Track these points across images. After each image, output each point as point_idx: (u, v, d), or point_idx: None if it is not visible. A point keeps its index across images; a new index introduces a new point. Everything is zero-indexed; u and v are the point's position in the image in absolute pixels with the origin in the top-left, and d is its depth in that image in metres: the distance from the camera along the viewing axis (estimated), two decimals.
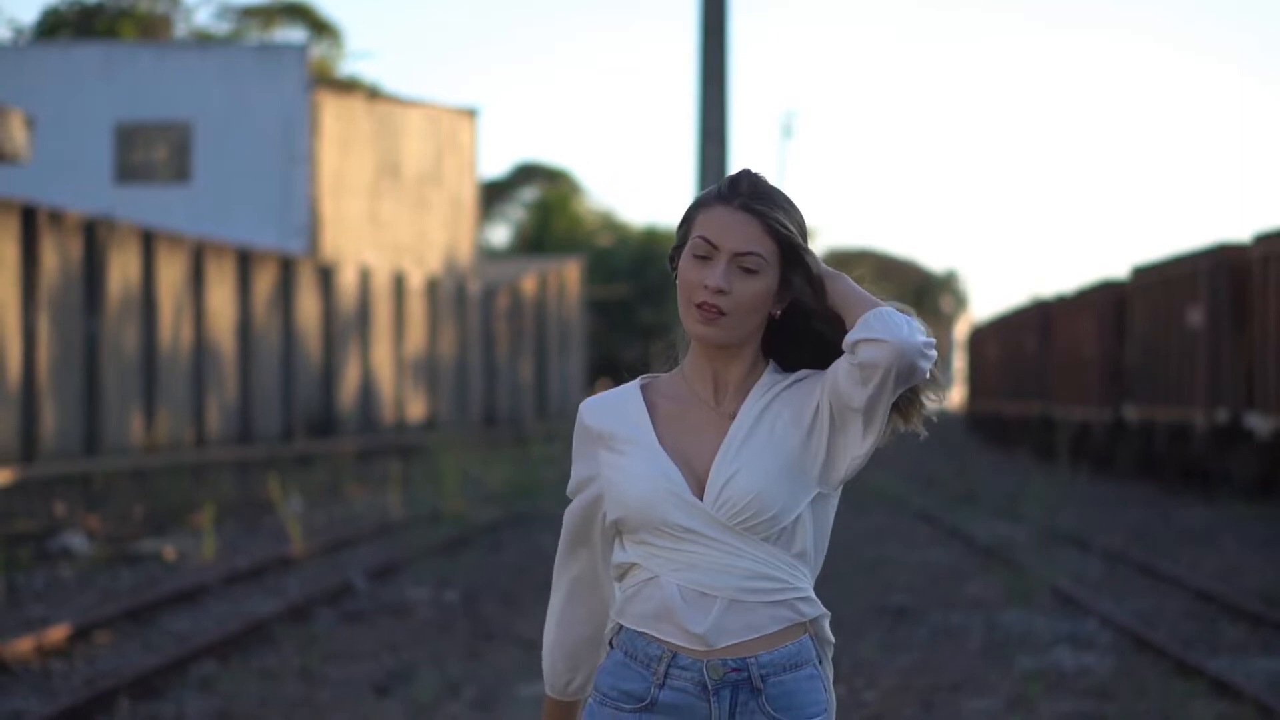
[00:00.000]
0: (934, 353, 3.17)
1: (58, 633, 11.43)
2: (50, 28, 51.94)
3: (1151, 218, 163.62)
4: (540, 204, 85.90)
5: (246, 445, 30.42)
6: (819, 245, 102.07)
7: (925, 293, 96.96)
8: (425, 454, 33.21)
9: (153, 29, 52.86)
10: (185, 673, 10.35)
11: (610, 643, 3.21)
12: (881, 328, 3.07)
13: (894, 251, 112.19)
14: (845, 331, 3.14)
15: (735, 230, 3.10)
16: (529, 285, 51.50)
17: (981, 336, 52.43)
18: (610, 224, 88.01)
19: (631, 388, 3.26)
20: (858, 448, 3.13)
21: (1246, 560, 16.70)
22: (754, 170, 3.18)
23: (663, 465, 3.13)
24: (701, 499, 3.11)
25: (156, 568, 16.18)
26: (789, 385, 3.18)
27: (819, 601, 3.13)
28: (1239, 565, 16.28)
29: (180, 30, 55.21)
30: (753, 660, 3.09)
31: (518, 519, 21.17)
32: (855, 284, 3.19)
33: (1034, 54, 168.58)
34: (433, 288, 41.91)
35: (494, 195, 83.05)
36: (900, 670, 10.53)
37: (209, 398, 29.28)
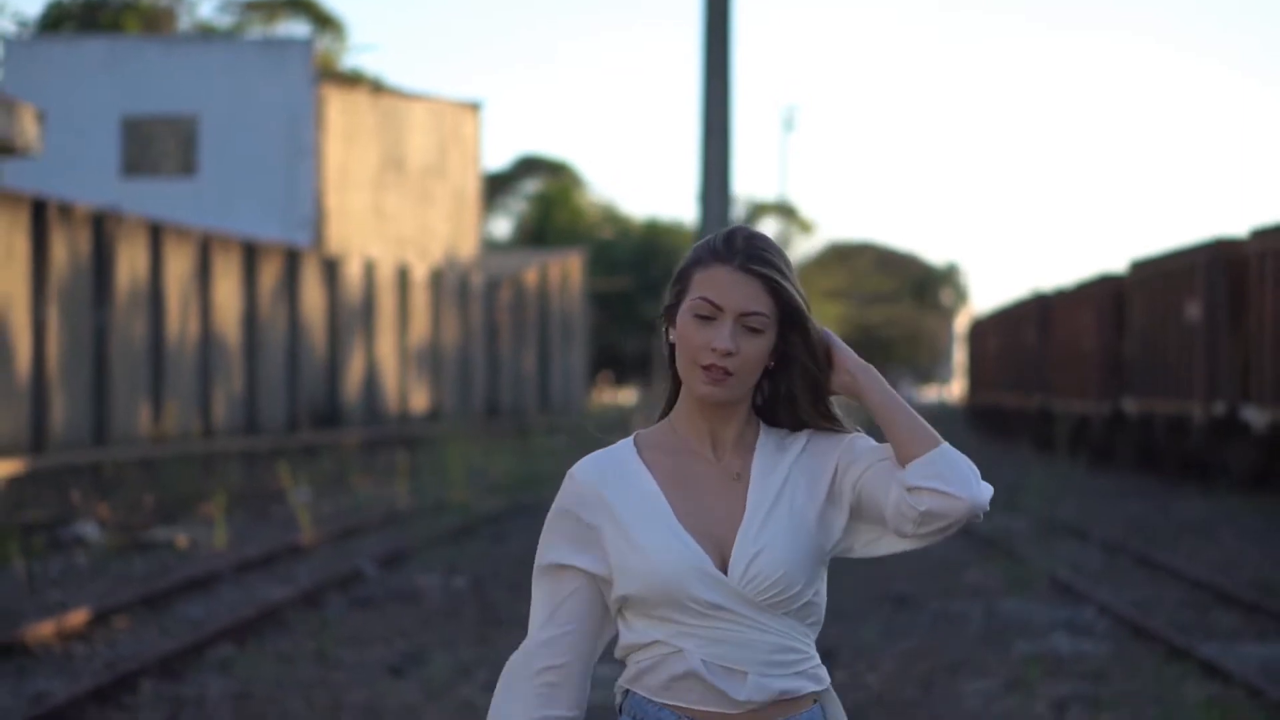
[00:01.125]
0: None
1: (77, 617, 11.69)
2: (54, 21, 52.14)
3: (1150, 212, 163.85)
4: (541, 197, 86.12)
5: (252, 436, 30.67)
6: (820, 239, 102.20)
7: (926, 286, 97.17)
8: (429, 445, 33.47)
9: (156, 22, 53.05)
10: (203, 656, 10.61)
11: (619, 708, 3.18)
12: (957, 482, 3.07)
13: (894, 244, 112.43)
14: (827, 381, 3.16)
15: (738, 291, 3.07)
16: (532, 278, 51.74)
17: (981, 329, 52.68)
18: (612, 217, 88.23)
19: (626, 451, 3.18)
20: (866, 543, 3.18)
21: (1242, 551, 16.95)
22: (747, 228, 3.15)
23: (685, 541, 3.07)
24: (725, 573, 3.07)
25: (169, 556, 16.45)
26: (800, 453, 3.16)
27: (824, 667, 3.17)
28: (1235, 556, 16.52)
29: (184, 23, 55.39)
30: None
31: (522, 509, 21.43)
32: (890, 388, 3.17)
33: (1035, 50, 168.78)
34: (436, 280, 42.15)
35: (496, 188, 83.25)
36: (901, 654, 10.79)
37: (215, 389, 29.53)
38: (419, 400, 40.14)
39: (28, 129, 21.76)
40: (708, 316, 3.08)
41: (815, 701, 3.13)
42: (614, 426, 47.31)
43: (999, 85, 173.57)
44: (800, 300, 3.13)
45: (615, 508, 3.10)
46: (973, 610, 12.80)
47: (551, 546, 3.14)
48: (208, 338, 29.26)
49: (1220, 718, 8.67)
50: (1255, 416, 22.66)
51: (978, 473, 3.09)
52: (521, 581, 14.36)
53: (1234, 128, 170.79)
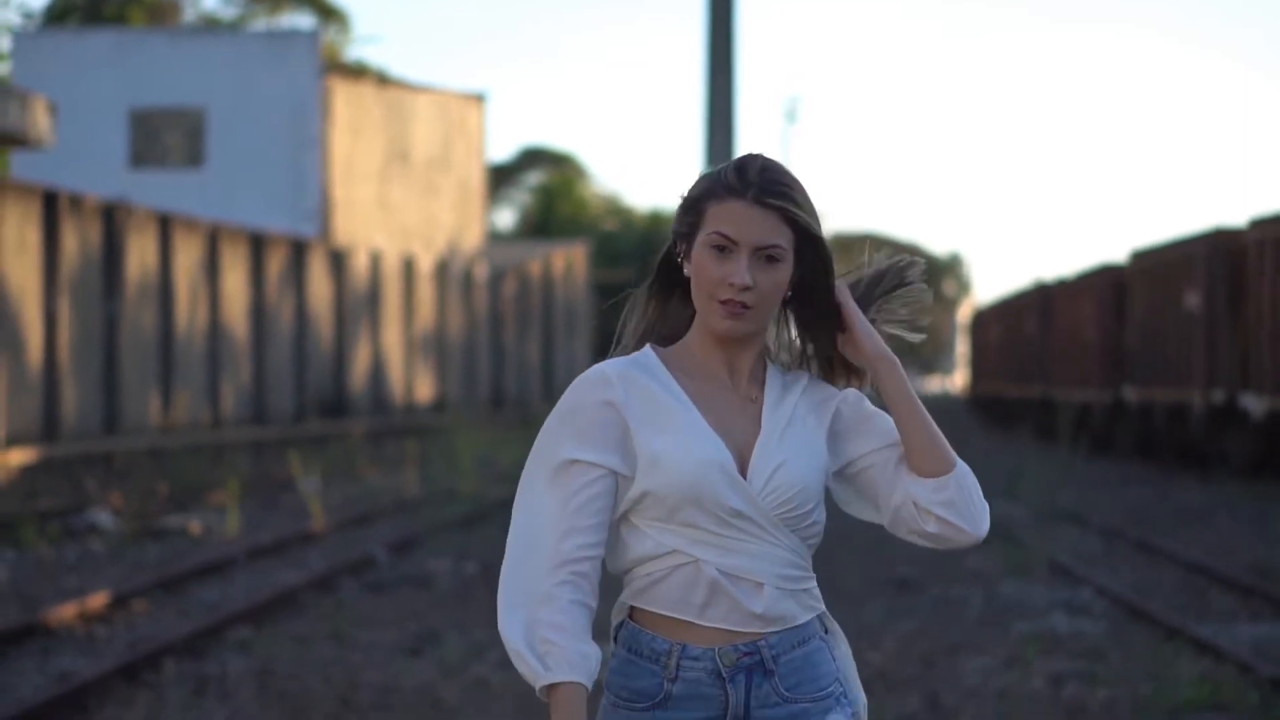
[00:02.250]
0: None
1: (97, 600, 11.96)
2: (59, 13, 52.34)
3: (1150, 202, 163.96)
4: (545, 188, 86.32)
5: (260, 426, 30.93)
6: (822, 231, 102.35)
7: (928, 276, 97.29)
8: (435, 435, 33.74)
9: (161, 14, 53.26)
10: (222, 637, 10.88)
11: (614, 638, 3.13)
12: (967, 515, 3.11)
13: (897, 235, 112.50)
14: (836, 322, 3.17)
15: (754, 224, 3.03)
16: (536, 269, 51.99)
17: (984, 319, 52.91)
18: (615, 208, 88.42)
19: (653, 360, 3.14)
20: (846, 500, 3.22)
21: (1239, 536, 17.18)
22: (760, 155, 3.10)
23: (714, 442, 3.07)
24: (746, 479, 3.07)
25: (182, 542, 16.71)
26: (805, 389, 3.18)
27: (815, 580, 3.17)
28: (1232, 541, 16.76)
29: (188, 15, 55.60)
30: (763, 642, 3.07)
31: None
32: (911, 388, 3.16)
33: (1037, 42, 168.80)
34: (441, 271, 42.40)
35: (500, 179, 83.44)
36: (903, 635, 11.05)
37: (223, 379, 29.79)
38: (424, 390, 40.40)
39: (40, 121, 22.02)
40: (723, 248, 3.04)
41: (826, 631, 3.15)
42: None
43: (1000, 77, 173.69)
44: (815, 226, 3.10)
45: (645, 401, 3.07)
46: (973, 593, 13.05)
47: (564, 444, 3.07)
48: (216, 328, 29.53)
49: (1211, 693, 8.93)
50: (1254, 405, 22.90)
51: (982, 497, 3.11)
52: None
53: (1234, 119, 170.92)
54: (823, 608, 3.17)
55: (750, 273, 3.03)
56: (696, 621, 3.05)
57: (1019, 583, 13.64)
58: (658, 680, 3.06)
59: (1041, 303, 38.67)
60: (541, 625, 2.97)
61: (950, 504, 3.08)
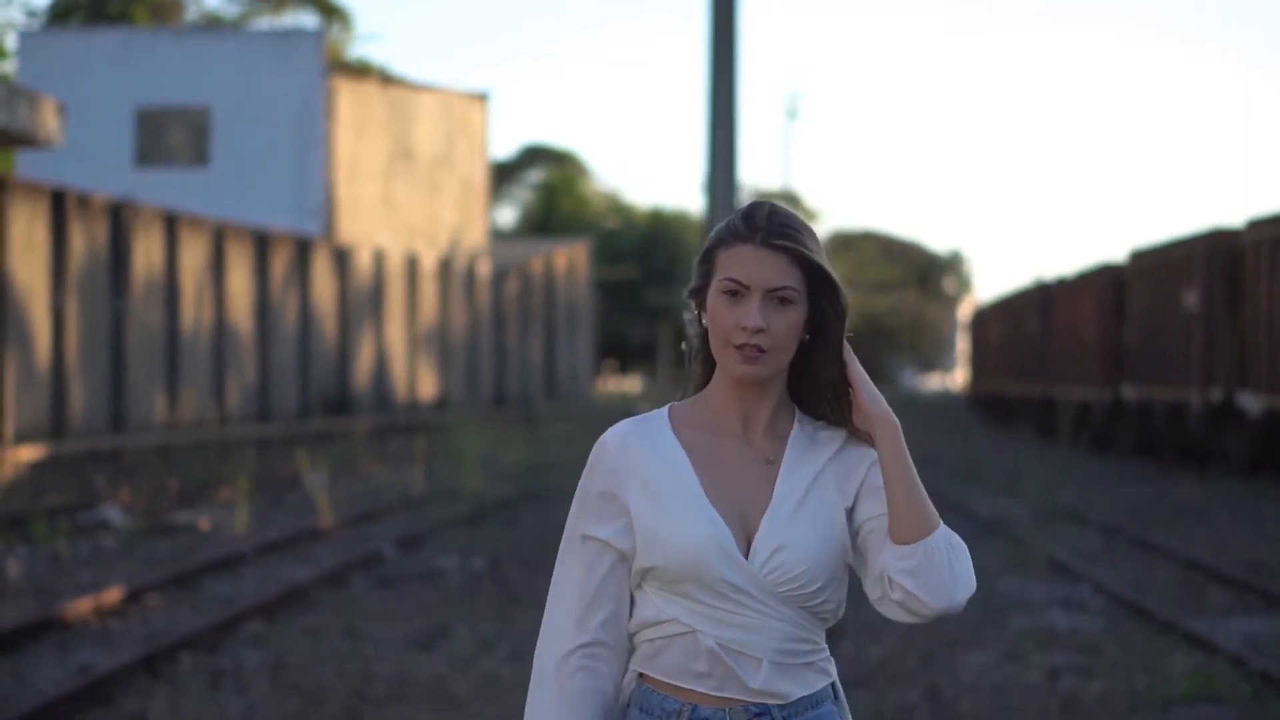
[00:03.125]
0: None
1: (112, 595, 12.17)
2: (63, 11, 52.53)
3: (1149, 203, 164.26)
4: (546, 186, 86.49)
5: (265, 423, 31.14)
6: (823, 227, 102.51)
7: (929, 274, 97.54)
8: (438, 432, 33.94)
9: (164, 13, 53.45)
10: (236, 631, 11.09)
11: (628, 698, 3.14)
12: (931, 585, 3.04)
13: (897, 233, 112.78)
14: (843, 373, 3.14)
15: (764, 267, 3.05)
16: (538, 267, 52.21)
17: (984, 318, 53.12)
18: (616, 206, 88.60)
19: (660, 422, 3.16)
20: (856, 567, 3.17)
21: (1236, 533, 17.38)
22: (768, 203, 3.13)
23: (711, 518, 3.06)
24: (747, 556, 3.06)
25: (192, 538, 16.91)
26: (836, 453, 3.14)
27: (832, 659, 3.17)
28: (1229, 538, 16.95)
29: (191, 14, 55.80)
30: (775, 706, 3.07)
31: (533, 495, 21.89)
32: (906, 452, 3.09)
33: (1037, 41, 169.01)
34: (445, 269, 42.62)
35: (501, 177, 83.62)
36: (903, 630, 11.25)
37: (229, 377, 30.00)
38: (427, 388, 40.61)
39: (49, 121, 22.24)
40: (735, 293, 3.06)
41: (835, 698, 3.14)
42: (619, 414, 47.79)
43: (1001, 75, 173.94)
44: (827, 268, 3.10)
45: (644, 476, 3.08)
46: None
47: (580, 518, 3.14)
48: (221, 326, 29.74)
49: (1204, 686, 9.15)
50: (1251, 403, 23.11)
51: (965, 564, 3.04)
52: (538, 562, 14.83)
53: (1233, 120, 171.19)
54: (834, 677, 3.14)
55: (763, 315, 3.04)
56: (702, 690, 3.06)
57: (1018, 579, 13.84)
58: None
59: (1042, 301, 38.87)
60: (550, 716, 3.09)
61: (913, 572, 3.02)
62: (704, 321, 3.12)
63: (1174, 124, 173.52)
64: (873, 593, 3.10)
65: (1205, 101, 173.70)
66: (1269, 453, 23.21)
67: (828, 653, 3.14)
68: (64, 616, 11.37)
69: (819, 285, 3.10)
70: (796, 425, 3.15)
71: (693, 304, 3.15)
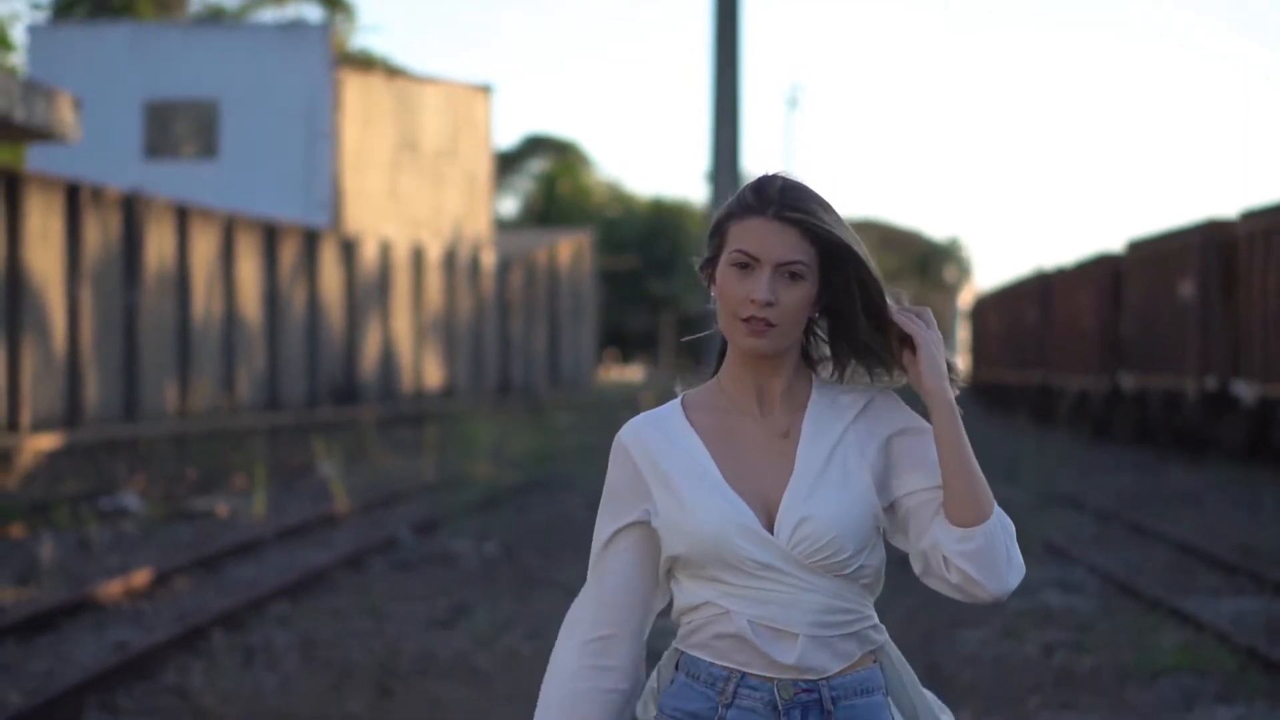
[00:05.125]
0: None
1: (141, 577, 12.62)
2: (68, 4, 52.85)
3: (1146, 193, 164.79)
4: (547, 175, 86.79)
5: (275, 412, 31.56)
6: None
7: (929, 262, 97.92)
8: (444, 421, 34.38)
9: (169, 5, 53.77)
10: (263, 611, 11.54)
11: (676, 666, 3.12)
12: (989, 570, 3.01)
13: (898, 222, 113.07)
14: (886, 334, 3.08)
15: (774, 240, 3.00)
16: (542, 257, 52.61)
17: (984, 307, 53.52)
18: (618, 196, 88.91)
19: (673, 411, 3.12)
20: (889, 532, 3.14)
21: (1230, 518, 17.78)
22: (781, 176, 3.08)
23: (730, 500, 3.02)
24: (771, 533, 3.01)
25: (211, 524, 17.36)
26: (860, 414, 3.10)
27: (882, 626, 3.12)
28: (1222, 522, 17.35)
29: (195, 6, 56.12)
30: (824, 684, 3.02)
31: (542, 482, 22.31)
32: (963, 433, 3.04)
33: (1037, 32, 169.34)
34: (450, 260, 43.03)
35: (503, 167, 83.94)
36: (904, 610, 11.69)
37: (239, 367, 30.41)
38: (433, 377, 41.03)
39: (66, 116, 22.66)
40: (745, 266, 3.02)
41: (875, 661, 3.09)
42: (623, 404, 48.22)
43: (1000, 65, 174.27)
44: (841, 239, 3.04)
45: (662, 468, 3.06)
46: None
47: (603, 522, 3.13)
48: (231, 317, 30.14)
49: (1191, 658, 9.61)
50: (1245, 391, 23.53)
51: (1017, 548, 3.02)
52: (550, 547, 15.27)
53: (1228, 113, 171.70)
54: (877, 644, 3.09)
55: (772, 289, 2.99)
56: (737, 667, 3.04)
57: None
58: (713, 704, 3.04)
59: (1041, 291, 39.25)
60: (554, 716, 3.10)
61: (973, 556, 2.99)
62: (713, 294, 3.09)
63: (1170, 116, 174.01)
64: (918, 565, 3.07)
65: (1201, 95, 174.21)
66: (1263, 439, 23.62)
67: (873, 620, 3.07)
68: (96, 598, 11.82)
69: (835, 257, 3.05)
70: (815, 392, 3.11)
71: (702, 277, 3.12)
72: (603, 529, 3.12)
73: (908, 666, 3.15)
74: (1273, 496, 19.56)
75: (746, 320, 3.01)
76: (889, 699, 3.09)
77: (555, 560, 14.41)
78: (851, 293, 3.07)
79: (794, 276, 3.02)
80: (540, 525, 17.11)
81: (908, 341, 3.07)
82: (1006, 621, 11.23)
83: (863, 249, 3.07)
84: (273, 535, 15.74)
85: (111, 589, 12.08)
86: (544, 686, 3.15)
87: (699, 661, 3.06)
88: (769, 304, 3.00)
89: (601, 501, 3.14)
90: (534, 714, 3.15)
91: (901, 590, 12.59)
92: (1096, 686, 9.22)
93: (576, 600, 3.15)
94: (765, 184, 3.06)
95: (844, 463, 3.05)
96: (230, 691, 9.07)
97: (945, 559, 3.01)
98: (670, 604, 3.13)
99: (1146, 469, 24.61)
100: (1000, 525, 3.01)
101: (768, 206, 3.02)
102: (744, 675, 3.03)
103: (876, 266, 3.09)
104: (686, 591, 3.06)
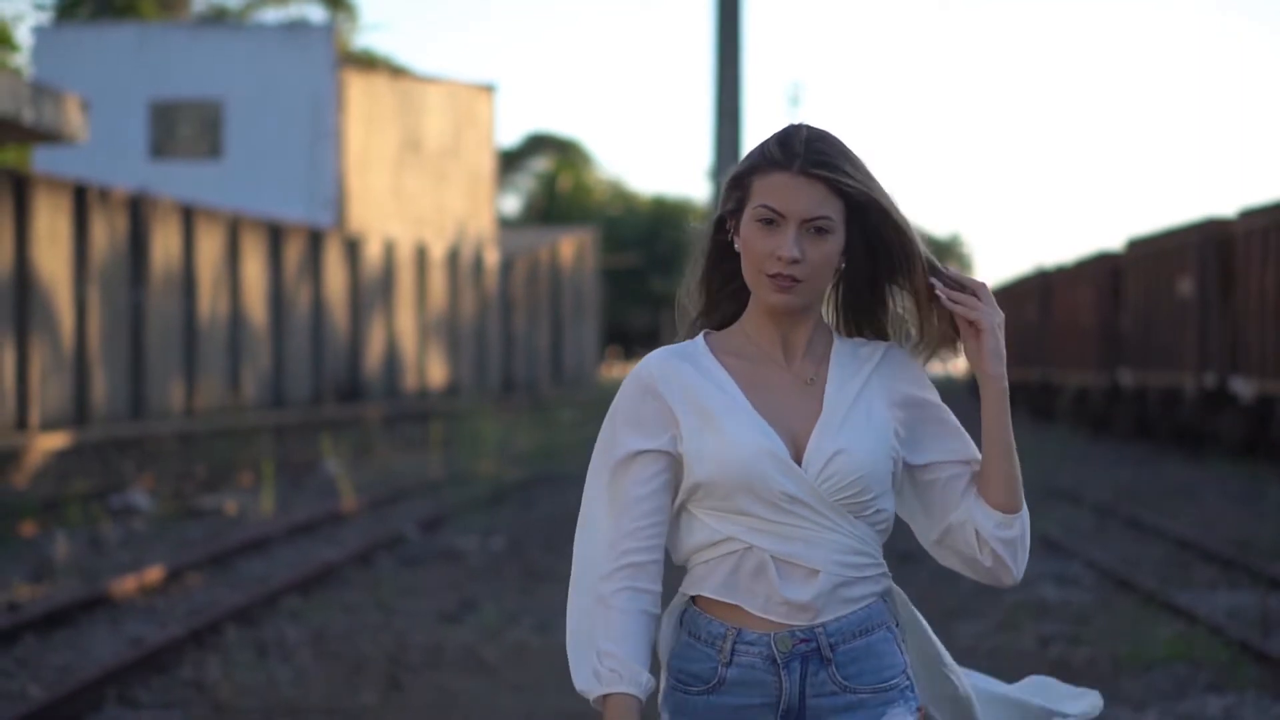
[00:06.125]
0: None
1: (154, 574, 12.83)
2: (71, 3, 53.01)
3: (1146, 192, 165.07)
4: (549, 174, 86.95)
5: (280, 410, 31.77)
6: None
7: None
8: (448, 419, 34.59)
9: (171, 5, 53.96)
10: (276, 606, 11.75)
11: (679, 619, 3.10)
12: (1018, 558, 3.09)
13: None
14: (917, 297, 3.10)
15: (800, 196, 2.97)
16: (545, 255, 52.82)
17: None
18: (619, 194, 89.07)
19: (697, 346, 3.09)
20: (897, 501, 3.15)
21: (1227, 513, 17.97)
22: (806, 127, 3.04)
23: (764, 429, 3.00)
24: (801, 465, 3.00)
25: (220, 522, 17.58)
26: (879, 362, 3.11)
27: (889, 572, 3.12)
28: (1219, 517, 17.54)
29: (199, 6, 56.31)
30: (820, 629, 3.01)
31: (546, 479, 22.51)
32: (1009, 421, 3.09)
33: (1037, 29, 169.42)
34: (453, 258, 43.24)
35: (506, 165, 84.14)
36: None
37: (244, 365, 30.63)
38: (437, 375, 41.24)
39: (74, 118, 22.86)
40: (771, 221, 2.98)
41: (880, 599, 3.09)
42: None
43: (1000, 62, 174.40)
44: (868, 191, 3.02)
45: (692, 392, 3.02)
46: None
47: (622, 438, 3.05)
48: (237, 316, 30.36)
49: (1184, 649, 9.83)
50: (1243, 388, 23.72)
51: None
52: (555, 542, 15.48)
53: (1227, 112, 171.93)
54: (881, 587, 3.10)
55: (798, 245, 2.97)
56: (749, 609, 3.01)
57: None
58: (713, 664, 3.02)
59: (1041, 288, 39.46)
60: (600, 636, 3.00)
61: (1011, 543, 3.04)
62: (736, 247, 3.05)
63: (1169, 116, 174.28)
64: (934, 534, 3.10)
65: (1200, 94, 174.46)
66: (1261, 435, 23.81)
67: (884, 567, 3.09)
68: (111, 594, 12.03)
69: (858, 211, 3.03)
70: (837, 342, 3.12)
71: (727, 224, 3.07)
72: (618, 443, 3.04)
73: (915, 610, 3.18)
74: (1269, 491, 19.76)
75: (773, 276, 2.99)
76: (894, 631, 3.08)
77: (560, 555, 14.62)
78: (874, 247, 3.06)
79: (820, 231, 2.99)
80: (545, 521, 17.32)
81: (960, 319, 3.10)
82: (1003, 614, 11.44)
83: (890, 201, 3.04)
84: (282, 532, 15.95)
85: (125, 585, 12.29)
86: (577, 603, 3.04)
87: (699, 618, 3.04)
88: (796, 261, 2.97)
89: (611, 417, 3.06)
90: (568, 642, 3.05)
91: (900, 583, 12.81)
92: (1092, 677, 9.42)
93: (588, 509, 3.07)
94: (790, 136, 3.03)
95: (870, 407, 3.05)
96: (246, 684, 9.29)
97: (979, 538, 3.04)
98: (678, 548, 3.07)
99: (1145, 464, 24.80)
100: (1027, 515, 3.09)
101: (793, 160, 2.99)
102: (741, 631, 3.00)
103: (910, 222, 3.07)
104: (706, 528, 3.02)
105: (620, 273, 75.59)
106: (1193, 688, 9.11)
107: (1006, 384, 3.09)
